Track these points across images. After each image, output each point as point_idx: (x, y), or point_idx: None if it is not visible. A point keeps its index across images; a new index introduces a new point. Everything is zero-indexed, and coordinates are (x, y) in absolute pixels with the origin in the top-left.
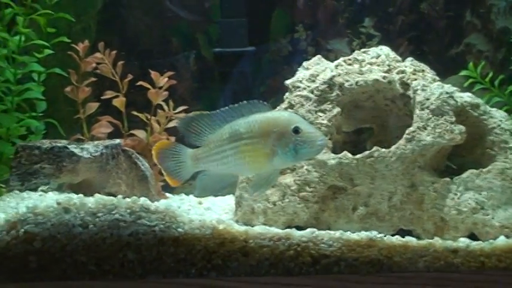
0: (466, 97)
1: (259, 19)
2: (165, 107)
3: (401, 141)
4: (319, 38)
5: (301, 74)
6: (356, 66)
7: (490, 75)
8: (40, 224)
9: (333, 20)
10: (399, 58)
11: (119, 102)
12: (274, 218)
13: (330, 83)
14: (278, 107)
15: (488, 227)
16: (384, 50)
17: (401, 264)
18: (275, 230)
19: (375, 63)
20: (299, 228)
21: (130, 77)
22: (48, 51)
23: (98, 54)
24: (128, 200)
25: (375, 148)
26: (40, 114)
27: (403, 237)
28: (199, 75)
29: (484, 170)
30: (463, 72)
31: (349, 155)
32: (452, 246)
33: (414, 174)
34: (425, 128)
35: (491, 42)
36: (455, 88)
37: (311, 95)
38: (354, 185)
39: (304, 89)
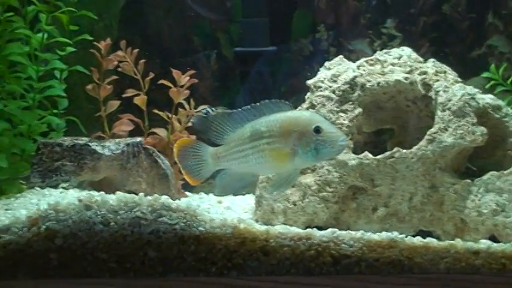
0: (488, 99)
1: (280, 19)
2: (186, 106)
3: (422, 142)
4: (341, 39)
5: (323, 74)
6: (378, 66)
7: None
8: (61, 221)
9: (355, 21)
10: (421, 59)
11: (140, 100)
12: (294, 218)
13: (352, 84)
14: (299, 107)
15: (509, 229)
16: (406, 51)
17: (422, 265)
18: (296, 230)
19: (397, 64)
20: (319, 228)
21: (151, 75)
22: (70, 49)
23: (119, 53)
24: (149, 198)
25: (395, 149)
26: (61, 111)
27: (424, 238)
28: (220, 75)
29: (505, 172)
30: (485, 74)
31: (370, 155)
32: (473, 247)
33: (435, 175)
34: (446, 130)
35: None
36: (477, 90)
37: (333, 95)
38: (375, 186)
39: (326, 89)
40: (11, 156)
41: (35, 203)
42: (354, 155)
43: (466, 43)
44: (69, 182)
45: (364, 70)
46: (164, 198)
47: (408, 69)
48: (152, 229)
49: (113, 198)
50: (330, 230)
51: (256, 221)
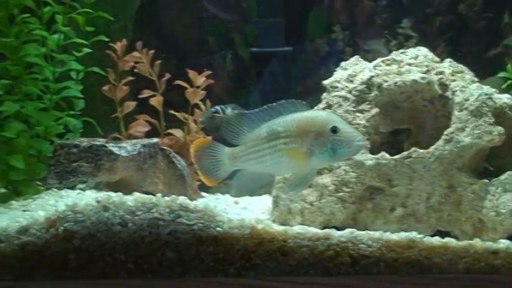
0: (505, 98)
1: (296, 19)
2: (202, 106)
3: (440, 142)
4: (356, 39)
5: (339, 74)
6: (394, 66)
7: None
8: (79, 222)
9: (370, 21)
10: (437, 59)
11: (156, 101)
12: (311, 218)
13: (369, 84)
14: (316, 107)
15: None
16: (422, 51)
17: (441, 265)
18: (314, 230)
19: (414, 63)
20: (336, 228)
21: (167, 76)
22: (86, 50)
23: (135, 53)
24: (167, 198)
25: (413, 149)
26: (78, 112)
27: (442, 238)
28: (236, 75)
29: None
30: (501, 74)
31: (387, 155)
32: (492, 247)
33: (452, 175)
34: (463, 129)
35: None
36: (493, 89)
37: (349, 95)
38: (392, 186)
39: (342, 89)
40: (27, 158)
41: (52, 204)
42: (371, 155)
43: (482, 43)
44: (86, 183)
45: (380, 70)
46: (182, 199)
47: (425, 69)
48: (170, 230)
49: (130, 199)
50: (348, 230)
51: (273, 221)
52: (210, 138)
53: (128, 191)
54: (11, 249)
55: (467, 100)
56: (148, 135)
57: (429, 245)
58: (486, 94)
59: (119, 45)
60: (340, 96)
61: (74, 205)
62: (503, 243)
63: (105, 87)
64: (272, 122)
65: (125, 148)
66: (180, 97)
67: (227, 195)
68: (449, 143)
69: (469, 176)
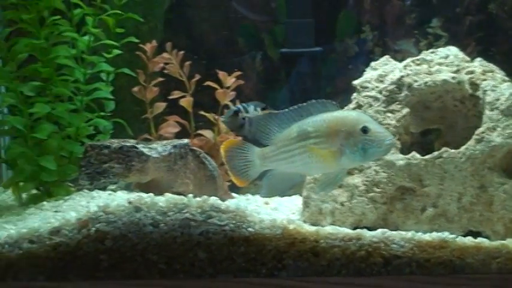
0: None
1: (325, 19)
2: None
3: (471, 142)
4: (386, 39)
5: (369, 74)
6: (425, 66)
7: None
8: (111, 223)
9: (400, 21)
10: (468, 58)
11: (186, 102)
12: (342, 218)
13: (399, 84)
14: (346, 107)
15: None
16: (453, 50)
17: (473, 265)
18: (346, 230)
19: (444, 63)
20: (367, 229)
21: (197, 77)
22: (116, 52)
23: (165, 54)
24: (198, 199)
25: (444, 149)
26: (108, 113)
27: (475, 238)
28: (265, 76)
29: None
30: None
31: (418, 155)
32: None
33: (484, 175)
34: (495, 129)
35: None
36: None
37: (379, 96)
38: (423, 186)
39: (373, 89)
40: (59, 159)
41: (84, 205)
42: (401, 155)
43: None
44: (117, 184)
45: (410, 70)
46: (213, 200)
47: (455, 68)
48: (202, 230)
49: (162, 200)
50: (380, 230)
51: (304, 221)
52: (240, 138)
53: (158, 192)
54: (43, 250)
55: (498, 99)
56: (178, 136)
57: (462, 245)
58: None
59: (148, 47)
60: (370, 97)
61: (105, 206)
62: None
63: (135, 89)
64: (302, 122)
65: (156, 149)
66: (210, 98)
67: (257, 196)
68: (480, 143)
69: (501, 175)
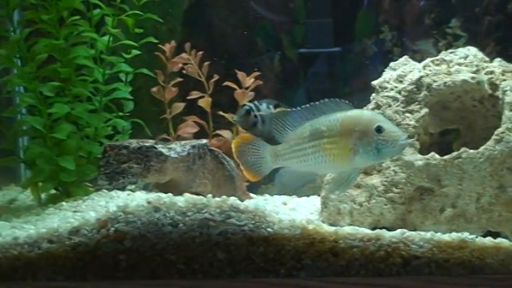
0: None
1: (344, 20)
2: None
3: (490, 142)
4: (405, 39)
5: (388, 74)
6: (444, 66)
7: None
8: (130, 223)
9: (419, 21)
10: (487, 59)
11: (205, 102)
12: (360, 219)
13: (418, 84)
14: (365, 108)
15: None
16: (472, 51)
17: (493, 266)
18: (365, 231)
19: (463, 63)
20: (385, 229)
21: (216, 77)
22: (135, 52)
23: (184, 55)
24: (217, 199)
25: (463, 149)
26: (127, 114)
27: (494, 238)
28: (284, 76)
29: None
30: None
31: (437, 156)
32: None
33: (503, 175)
34: None
35: None
36: None
37: (398, 96)
38: (442, 186)
39: (392, 89)
40: (77, 159)
41: (103, 205)
42: (420, 155)
43: None
44: (136, 184)
45: (430, 70)
46: (232, 200)
47: (474, 68)
48: (221, 230)
49: (181, 200)
50: (399, 230)
51: (322, 222)
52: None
53: (176, 192)
54: (62, 249)
55: None
56: (196, 136)
57: (481, 245)
58: None
59: (167, 47)
60: (389, 97)
61: (124, 206)
62: None
63: (154, 89)
64: (315, 121)
65: (174, 149)
66: (228, 98)
67: (275, 196)
68: (499, 143)
69: None
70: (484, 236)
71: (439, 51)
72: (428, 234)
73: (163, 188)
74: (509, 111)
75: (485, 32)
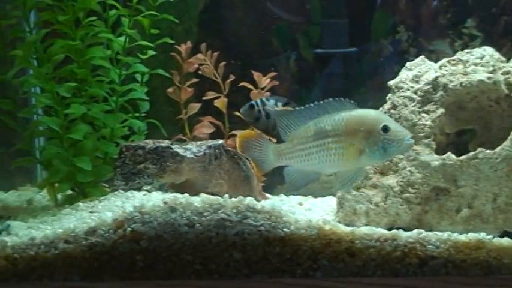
0: None
1: (360, 20)
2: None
3: (507, 143)
4: (421, 39)
5: (404, 74)
6: (460, 66)
7: None
8: (147, 223)
9: (435, 21)
10: (503, 59)
11: (221, 103)
12: (376, 219)
13: (434, 84)
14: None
15: None
16: (488, 51)
17: (510, 266)
18: (381, 231)
19: (479, 63)
20: (401, 229)
21: (232, 77)
22: (152, 52)
23: (200, 55)
24: (234, 199)
25: (479, 149)
26: (143, 114)
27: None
28: (300, 76)
29: None
30: None
31: (453, 156)
32: None
33: None
34: None
35: None
36: None
37: (415, 96)
38: (458, 187)
39: (408, 89)
40: (94, 160)
41: (119, 205)
42: (436, 155)
43: None
44: (152, 185)
45: (446, 70)
46: (249, 200)
47: (491, 68)
48: (237, 231)
49: (197, 200)
50: (416, 231)
51: (338, 222)
52: (258, 131)
53: (192, 192)
54: (79, 250)
55: None
56: (212, 137)
57: (498, 245)
58: None
59: (183, 48)
60: (405, 97)
61: (141, 206)
62: None
63: (170, 89)
64: (318, 120)
65: (190, 149)
66: (244, 98)
67: (291, 197)
68: None
69: None
70: (501, 237)
71: (455, 52)
72: (445, 235)
73: (179, 188)
74: None
75: (501, 32)
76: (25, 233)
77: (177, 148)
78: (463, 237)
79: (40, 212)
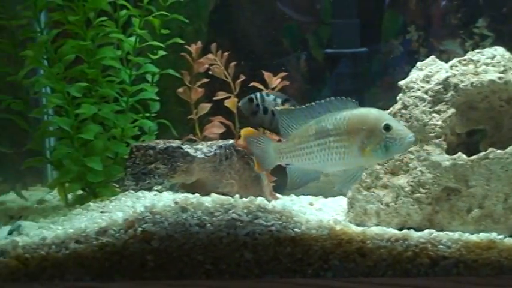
0: None
1: (371, 20)
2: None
3: None
4: (432, 39)
5: (415, 74)
6: (471, 66)
7: None
8: (158, 223)
9: (446, 21)
10: None
11: (231, 103)
12: (387, 219)
13: (445, 84)
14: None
15: None
16: (499, 51)
17: None
18: (392, 231)
19: (490, 63)
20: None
21: (242, 77)
22: (162, 53)
23: (210, 56)
24: (244, 199)
25: (490, 149)
26: (153, 114)
27: None
28: (310, 76)
29: None
30: None
31: (464, 156)
32: None
33: None
34: None
35: None
36: None
37: (425, 96)
38: (469, 187)
39: (419, 89)
40: (104, 160)
41: (130, 205)
42: (447, 156)
43: None
44: (163, 185)
45: (457, 70)
46: (260, 200)
47: (502, 68)
48: (248, 231)
49: (208, 200)
50: (427, 231)
51: (349, 222)
52: (261, 130)
53: (203, 192)
54: (89, 250)
55: None
56: (222, 137)
57: (510, 245)
58: None
59: (194, 48)
60: (416, 97)
61: (152, 206)
62: None
63: (180, 90)
64: (320, 119)
65: (201, 149)
66: None
67: (301, 197)
68: None
69: None
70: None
71: (466, 51)
72: (456, 235)
73: (190, 188)
74: None
75: None
76: (36, 233)
77: (187, 148)
78: (474, 237)
79: (51, 212)
